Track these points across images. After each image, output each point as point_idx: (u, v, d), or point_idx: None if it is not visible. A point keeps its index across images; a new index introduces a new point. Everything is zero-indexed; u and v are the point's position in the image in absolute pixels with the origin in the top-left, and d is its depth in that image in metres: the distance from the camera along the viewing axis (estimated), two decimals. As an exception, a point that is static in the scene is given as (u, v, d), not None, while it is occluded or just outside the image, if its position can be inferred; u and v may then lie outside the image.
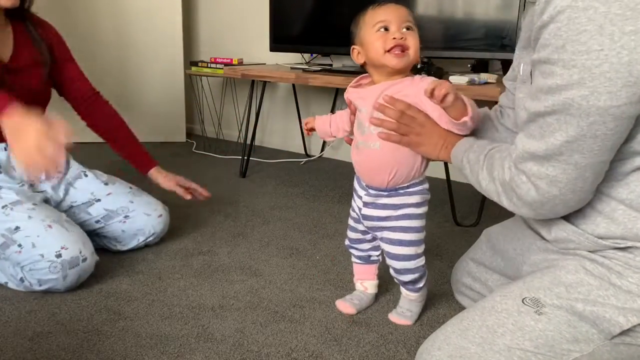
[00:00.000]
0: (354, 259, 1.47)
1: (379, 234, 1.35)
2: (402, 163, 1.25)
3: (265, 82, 2.68)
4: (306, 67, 2.69)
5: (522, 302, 0.83)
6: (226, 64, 2.99)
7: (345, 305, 1.46)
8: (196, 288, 1.58)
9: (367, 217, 1.33)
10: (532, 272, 0.91)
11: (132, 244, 1.80)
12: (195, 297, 1.53)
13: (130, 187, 1.83)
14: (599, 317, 0.78)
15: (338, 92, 3.05)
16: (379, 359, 1.26)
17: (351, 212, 1.41)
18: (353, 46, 1.24)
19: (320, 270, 1.71)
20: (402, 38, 1.17)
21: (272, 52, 2.88)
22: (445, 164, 2.16)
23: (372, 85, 1.26)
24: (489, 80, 2.03)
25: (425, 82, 1.18)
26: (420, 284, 1.36)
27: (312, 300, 1.52)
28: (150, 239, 1.81)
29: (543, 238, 0.95)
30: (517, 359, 0.79)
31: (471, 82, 1.99)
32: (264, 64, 3.13)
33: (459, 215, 2.17)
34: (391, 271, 1.35)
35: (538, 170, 0.81)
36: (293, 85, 3.17)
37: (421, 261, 1.32)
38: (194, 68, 3.19)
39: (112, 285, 1.59)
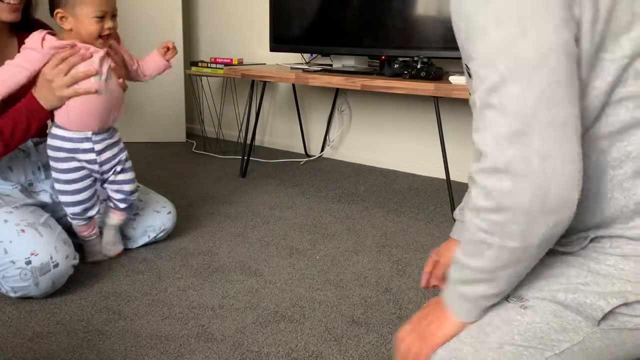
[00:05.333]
0: (82, 224, 1.65)
1: (113, 176, 1.65)
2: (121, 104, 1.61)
3: (265, 82, 2.68)
4: (306, 67, 2.69)
5: (507, 300, 0.83)
6: (226, 64, 2.99)
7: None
8: (196, 288, 1.58)
9: (105, 162, 1.61)
10: None
11: (142, 241, 1.82)
12: (195, 297, 1.53)
13: (138, 186, 1.84)
14: (581, 304, 0.78)
15: (338, 92, 3.05)
16: (379, 359, 1.26)
17: (74, 175, 1.58)
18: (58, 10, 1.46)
19: (320, 270, 1.71)
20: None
21: (272, 52, 2.88)
22: (445, 163, 2.16)
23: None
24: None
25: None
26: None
27: (312, 300, 1.52)
28: (161, 234, 1.84)
29: None
30: (510, 354, 0.79)
31: (471, 82, 1.98)
32: (264, 64, 3.13)
33: (459, 215, 2.17)
34: (115, 203, 1.69)
35: (522, 152, 0.65)
36: (293, 85, 3.17)
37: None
38: (194, 68, 3.19)
39: (112, 285, 1.59)
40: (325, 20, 2.61)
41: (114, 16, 1.51)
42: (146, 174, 2.67)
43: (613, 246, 0.80)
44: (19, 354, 1.26)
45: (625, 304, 0.77)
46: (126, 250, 1.81)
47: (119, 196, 1.69)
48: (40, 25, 1.64)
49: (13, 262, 1.43)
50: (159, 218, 1.82)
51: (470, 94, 0.78)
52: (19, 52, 1.57)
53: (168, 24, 3.32)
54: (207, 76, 3.21)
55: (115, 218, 1.72)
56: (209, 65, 3.10)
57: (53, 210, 1.66)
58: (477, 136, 0.71)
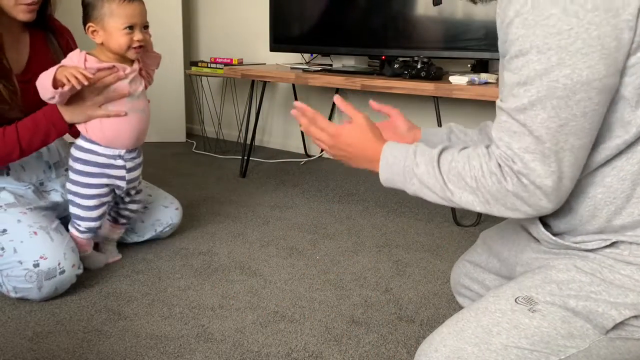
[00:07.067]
0: (87, 235, 1.61)
1: (129, 198, 1.69)
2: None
3: (265, 82, 2.68)
4: (306, 67, 2.69)
5: (515, 301, 0.83)
6: (226, 64, 2.99)
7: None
8: (196, 288, 1.58)
9: (132, 181, 1.62)
10: (524, 273, 0.91)
11: (148, 234, 1.85)
12: (195, 297, 1.53)
13: (147, 183, 1.87)
14: (592, 312, 0.78)
15: (338, 92, 3.05)
16: (379, 359, 1.26)
17: (98, 190, 1.57)
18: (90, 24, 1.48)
19: (320, 270, 1.71)
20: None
21: (272, 52, 2.88)
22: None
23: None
24: (489, 80, 2.03)
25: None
26: None
27: (312, 300, 1.52)
28: (167, 229, 1.87)
29: (535, 238, 0.95)
30: (514, 357, 0.79)
31: (471, 82, 1.99)
32: (264, 64, 3.13)
33: (458, 215, 2.17)
34: (116, 218, 1.72)
35: (544, 170, 0.75)
36: (293, 85, 3.17)
37: None
38: (194, 68, 3.19)
39: (112, 285, 1.59)
40: (325, 20, 2.61)
41: (145, 27, 1.50)
42: (146, 174, 2.67)
43: (632, 254, 0.80)
44: (19, 354, 1.26)
45: (636, 316, 0.77)
46: (126, 249, 1.81)
47: (125, 213, 1.72)
48: (54, 24, 1.64)
49: (20, 262, 1.43)
50: (167, 212, 1.85)
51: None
52: (30, 48, 1.57)
53: (168, 24, 3.32)
54: (207, 76, 3.21)
55: (113, 232, 1.74)
56: (209, 65, 3.10)
57: (65, 208, 1.66)
58: (499, 135, 0.79)
